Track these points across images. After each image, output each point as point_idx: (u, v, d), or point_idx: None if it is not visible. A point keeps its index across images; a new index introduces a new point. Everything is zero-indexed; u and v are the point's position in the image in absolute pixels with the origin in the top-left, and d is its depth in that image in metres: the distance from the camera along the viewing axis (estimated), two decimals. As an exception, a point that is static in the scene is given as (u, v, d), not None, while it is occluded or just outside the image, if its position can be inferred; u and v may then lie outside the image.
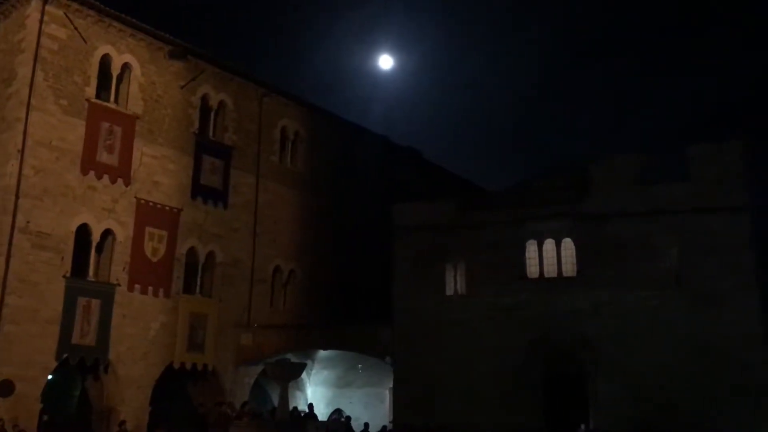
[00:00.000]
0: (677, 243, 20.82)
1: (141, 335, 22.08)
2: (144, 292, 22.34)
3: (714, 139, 21.58)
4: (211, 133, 25.50)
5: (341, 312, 26.76)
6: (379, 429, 22.08)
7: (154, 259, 22.70)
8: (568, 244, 21.99)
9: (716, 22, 65.06)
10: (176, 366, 22.80)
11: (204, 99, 25.31)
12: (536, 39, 73.48)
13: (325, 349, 25.22)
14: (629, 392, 19.87)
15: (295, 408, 22.88)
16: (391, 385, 23.35)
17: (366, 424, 21.55)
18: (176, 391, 23.69)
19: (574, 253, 21.83)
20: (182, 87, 24.45)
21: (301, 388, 26.66)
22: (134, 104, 23.07)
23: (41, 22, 21.04)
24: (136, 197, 22.58)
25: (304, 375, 25.57)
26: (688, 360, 19.67)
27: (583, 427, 20.31)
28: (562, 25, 73.33)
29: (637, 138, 69.13)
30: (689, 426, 18.27)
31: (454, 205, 23.50)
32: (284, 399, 18.60)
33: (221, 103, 25.89)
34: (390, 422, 22.67)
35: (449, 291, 23.03)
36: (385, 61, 50.78)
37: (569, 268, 21.88)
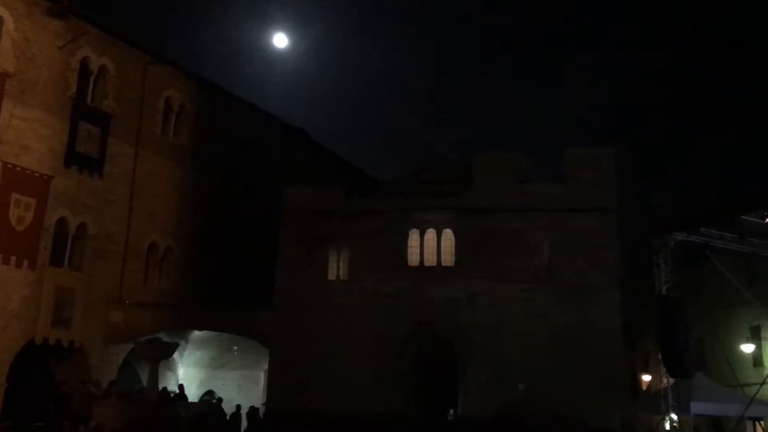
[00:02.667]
0: (550, 239, 21.97)
1: (0, 307, 20.64)
2: (6, 262, 20.83)
3: (589, 142, 22.90)
4: (89, 99, 24.07)
5: (220, 293, 26.15)
6: (248, 410, 21.78)
7: (20, 228, 21.20)
8: (448, 234, 22.66)
9: (604, 31, 68.76)
10: (38, 341, 21.48)
11: (84, 62, 23.82)
12: (431, 32, 74.83)
13: (200, 329, 24.65)
14: (498, 379, 20.76)
15: (165, 388, 22.22)
16: (267, 368, 23.18)
17: (238, 407, 21.25)
18: (37, 369, 22.34)
19: (454, 244, 22.53)
20: (61, 47, 22.89)
21: (172, 369, 25.90)
22: (5, 61, 21.37)
23: None
24: (2, 161, 21.00)
25: (176, 355, 24.90)
26: (554, 350, 20.82)
27: (452, 412, 21.04)
28: (458, 20, 75.04)
29: (520, 136, 72.09)
30: (552, 413, 19.31)
31: (342, 190, 23.56)
32: (154, 379, 18.05)
33: (102, 68, 24.49)
34: (263, 405, 22.47)
35: (331, 276, 23.11)
36: (280, 40, 50.02)
37: (448, 258, 22.57)
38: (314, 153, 33.39)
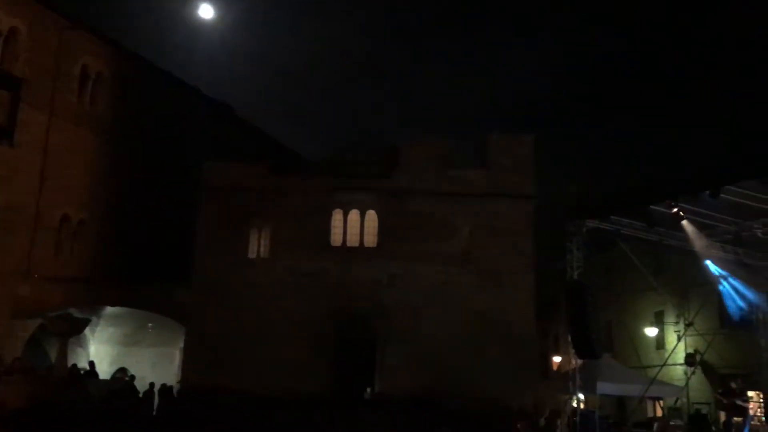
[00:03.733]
0: (470, 224, 22.40)
1: None
2: None
3: (511, 130, 23.43)
4: (-2, 61, 22.85)
5: (136, 268, 25.44)
6: (162, 388, 21.38)
7: None
8: (372, 216, 22.79)
9: (532, 23, 70.10)
10: (-64, 316, 20.42)
11: (-9, 22, 22.56)
12: (361, 13, 74.39)
13: (113, 305, 23.94)
14: (415, 359, 21.11)
15: (75, 365, 21.53)
16: (182, 346, 22.76)
17: (151, 384, 20.81)
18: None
19: (377, 225, 22.68)
20: (-33, 5, 21.62)
21: (83, 345, 25.10)
22: None
23: None
24: None
25: (87, 331, 24.15)
26: (470, 331, 21.32)
27: (368, 390, 21.28)
28: (390, 2, 74.85)
29: (446, 121, 72.86)
30: (467, 391, 19.78)
31: (265, 167, 23.26)
32: (63, 355, 17.46)
33: (13, 30, 23.23)
34: (177, 383, 22.10)
35: (252, 254, 22.87)
36: (206, 11, 48.54)
37: (371, 239, 22.72)
38: (238, 129, 32.77)
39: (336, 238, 22.74)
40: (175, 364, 25.04)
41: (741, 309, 18.76)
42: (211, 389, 19.94)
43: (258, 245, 22.92)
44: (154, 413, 19.81)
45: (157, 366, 25.44)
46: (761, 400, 18.88)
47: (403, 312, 21.72)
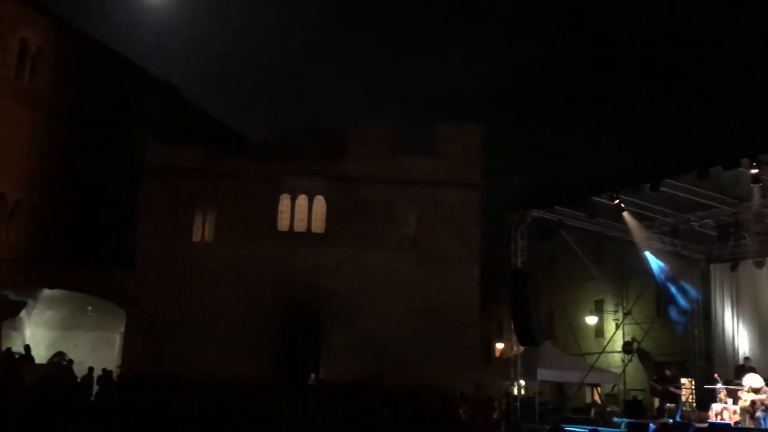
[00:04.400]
0: (417, 211, 22.51)
1: None
2: None
3: (460, 119, 23.57)
4: (-72, 32, 21.79)
5: (77, 250, 24.69)
6: (102, 374, 20.94)
7: None
8: (320, 201, 22.68)
9: (486, 15, 70.56)
10: None
11: None
12: (312, -4, 73.56)
13: (51, 287, 23.24)
14: (360, 345, 21.16)
15: (9, 349, 20.85)
16: (123, 330, 22.29)
17: (90, 369, 20.33)
18: None
19: (325, 211, 22.58)
20: None
21: (18, 329, 24.29)
22: None
23: None
24: None
25: (23, 314, 23.38)
26: (416, 318, 21.48)
27: (313, 376, 21.26)
28: (339, -13, 74.18)
29: (396, 108, 72.89)
30: (410, 377, 19.92)
31: (210, 149, 22.86)
32: (-4, 340, 16.83)
33: (-54, -1, 22.20)
34: (117, 368, 21.65)
35: (196, 238, 22.51)
36: (153, -11, 47.24)
37: (318, 224, 22.62)
38: (184, 110, 32.03)
39: (283, 224, 22.56)
40: (115, 349, 24.49)
41: (677, 299, 19.43)
42: (153, 375, 19.58)
43: (202, 229, 22.57)
44: (93, 399, 19.36)
45: (96, 351, 24.82)
46: (693, 387, 19.60)
47: (349, 298, 21.73)
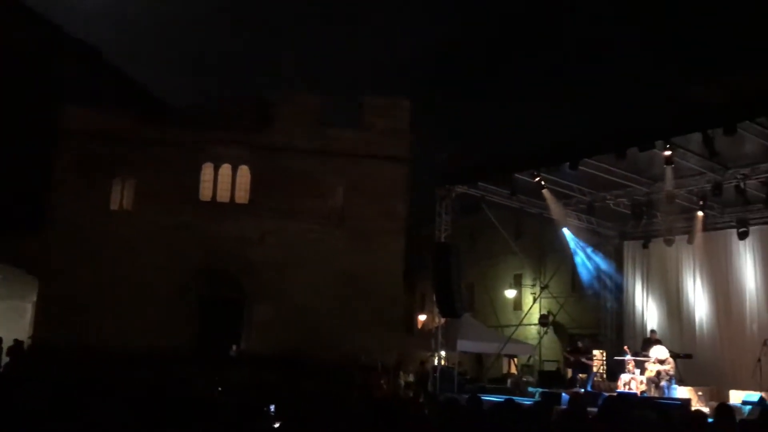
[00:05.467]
0: (344, 183, 22.47)
1: None
2: None
3: (389, 92, 23.58)
4: None
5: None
6: (12, 345, 20.15)
7: None
8: (244, 171, 22.33)
9: (407, -14, 70.29)
10: None
11: None
12: (241, -41, 71.45)
13: (-45, 255, 22.09)
14: (283, 317, 21.10)
15: None
16: (35, 299, 21.46)
17: (-1, 340, 19.55)
18: None
19: (249, 181, 22.25)
20: None
21: None
22: None
23: None
24: None
25: None
26: (340, 291, 21.54)
27: (234, 348, 21.09)
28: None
29: (323, 80, 72.15)
30: (333, 349, 20.04)
31: (132, 115, 22.07)
32: None
33: None
34: (29, 339, 20.86)
35: (114, 206, 21.81)
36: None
37: (242, 195, 22.29)
38: (104, 73, 30.71)
39: (205, 193, 22.11)
40: (26, 319, 23.56)
41: (591, 275, 20.19)
42: (66, 345, 18.97)
43: (121, 196, 21.87)
44: (2, 371, 18.62)
45: (6, 320, 23.81)
46: (604, 358, 20.48)
47: (273, 270, 21.58)
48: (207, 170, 22.12)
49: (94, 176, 21.49)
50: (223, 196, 22.16)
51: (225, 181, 22.21)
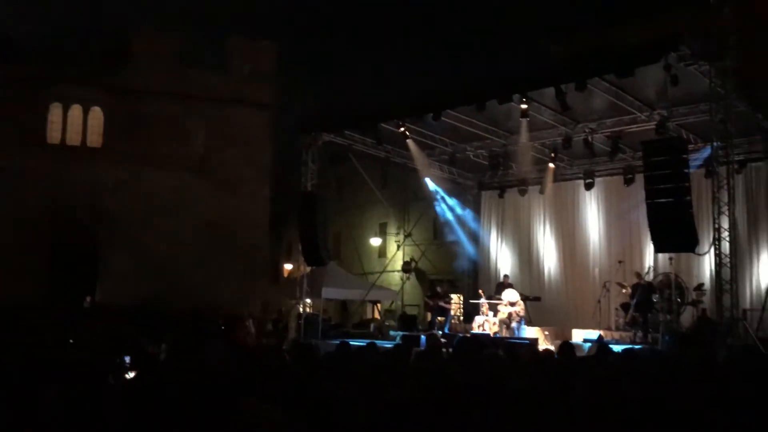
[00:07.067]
0: (206, 129, 21.71)
1: None
2: None
3: (255, 34, 22.83)
4: None
5: None
6: None
7: None
8: (97, 113, 21.00)
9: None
10: None
11: None
12: None
13: None
14: (142, 267, 20.34)
15: None
16: None
17: None
18: None
19: (103, 124, 20.97)
20: None
21: None
22: None
23: None
24: None
25: None
26: (203, 240, 21.02)
27: (88, 299, 20.13)
28: None
29: (184, 17, 68.54)
30: (196, 298, 19.58)
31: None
32: None
33: None
34: None
35: (-52, 147, 19.84)
36: None
37: (95, 138, 21.02)
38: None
39: (53, 135, 20.62)
40: None
41: (451, 224, 20.97)
42: None
43: (-44, 138, 19.93)
44: None
45: None
46: (461, 302, 21.47)
47: (130, 218, 20.65)
48: (55, 111, 20.59)
49: None
50: (73, 139, 20.77)
51: (75, 123, 20.79)
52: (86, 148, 20.76)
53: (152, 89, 21.12)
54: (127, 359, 6.05)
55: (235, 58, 22.06)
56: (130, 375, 5.27)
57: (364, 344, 7.24)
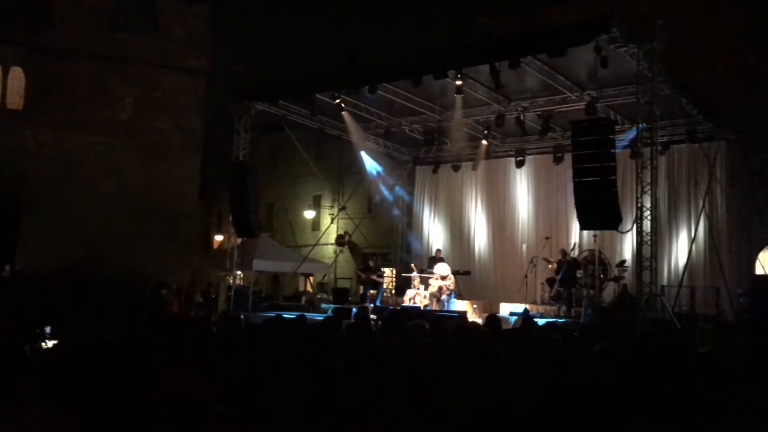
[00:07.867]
0: (134, 94, 21.03)
1: None
2: None
3: (186, -1, 22.12)
4: None
5: None
6: None
7: None
8: (17, 73, 20.02)
9: None
10: None
11: None
12: None
13: None
14: (65, 235, 19.65)
15: None
16: None
17: None
18: None
19: (24, 85, 20.01)
20: None
21: None
22: None
23: None
24: None
25: None
26: (130, 208, 20.45)
27: (7, 268, 19.37)
28: None
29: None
30: (122, 268, 19.09)
31: None
32: None
33: None
34: None
35: None
36: None
37: (16, 100, 20.06)
38: None
39: (-30, 96, 19.57)
40: None
41: (384, 196, 21.07)
42: None
43: None
44: None
45: None
46: (393, 276, 21.67)
47: (53, 184, 19.86)
48: (-29, 69, 19.53)
49: None
50: (-8, 101, 19.79)
51: (-5, 84, 19.81)
52: (6, 110, 19.79)
53: (77, 50, 20.25)
54: (48, 329, 5.89)
55: (167, 21, 21.37)
56: (49, 344, 5.13)
57: (295, 316, 7.24)
